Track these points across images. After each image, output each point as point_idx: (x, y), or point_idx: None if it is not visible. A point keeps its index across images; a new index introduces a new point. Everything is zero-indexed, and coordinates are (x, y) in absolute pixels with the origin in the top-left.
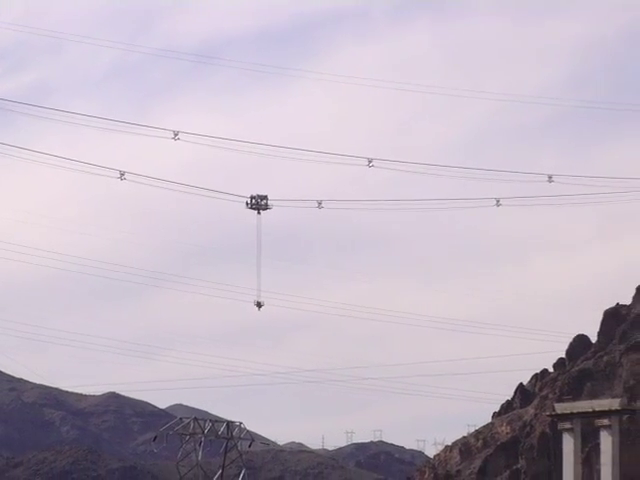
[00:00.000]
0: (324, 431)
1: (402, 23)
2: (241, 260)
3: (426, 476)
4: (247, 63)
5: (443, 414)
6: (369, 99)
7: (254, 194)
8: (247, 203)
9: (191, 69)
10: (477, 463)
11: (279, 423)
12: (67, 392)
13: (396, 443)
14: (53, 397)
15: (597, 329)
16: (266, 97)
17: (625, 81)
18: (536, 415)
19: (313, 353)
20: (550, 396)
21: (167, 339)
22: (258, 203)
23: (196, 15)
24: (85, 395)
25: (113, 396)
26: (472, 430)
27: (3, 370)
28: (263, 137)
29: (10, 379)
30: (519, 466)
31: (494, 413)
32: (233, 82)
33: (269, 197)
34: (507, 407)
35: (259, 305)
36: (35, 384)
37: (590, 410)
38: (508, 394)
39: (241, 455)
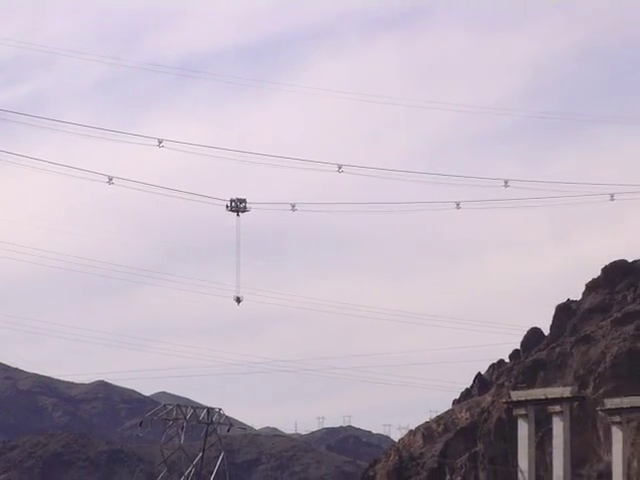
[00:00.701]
0: (297, 417)
1: (370, 39)
2: (221, 259)
3: (391, 459)
4: (227, 76)
5: (407, 401)
6: (339, 109)
7: (233, 198)
8: (227, 206)
9: (175, 82)
10: (438, 446)
11: (255, 409)
12: (59, 380)
13: (364, 428)
14: (46, 385)
15: (549, 323)
16: (244, 108)
17: (576, 93)
18: (493, 402)
19: (287, 345)
20: (506, 384)
21: (152, 332)
22: (237, 206)
23: (179, 31)
24: (76, 383)
25: (102, 384)
26: (434, 416)
27: (0, 360)
28: (242, 145)
29: (6, 368)
30: (477, 449)
31: (454, 400)
32: (214, 94)
33: (247, 200)
34: (466, 395)
35: (238, 300)
36: (29, 373)
37: (543, 397)
38: (467, 383)
39: (220, 439)
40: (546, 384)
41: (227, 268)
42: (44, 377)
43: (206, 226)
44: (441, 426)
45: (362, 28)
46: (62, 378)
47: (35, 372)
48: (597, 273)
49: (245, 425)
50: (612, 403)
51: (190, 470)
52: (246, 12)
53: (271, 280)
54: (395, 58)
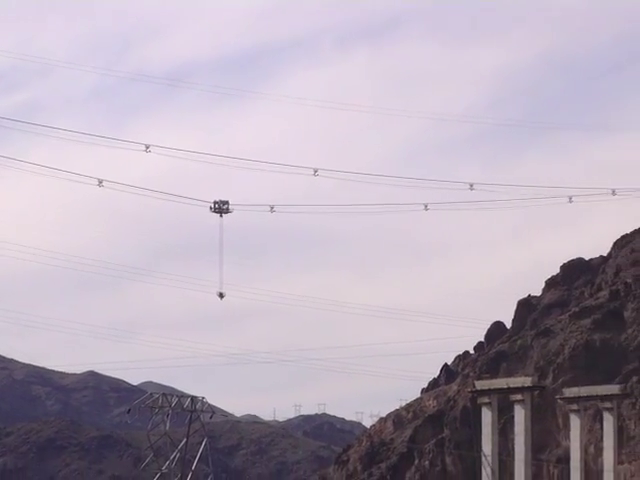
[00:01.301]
0: (275, 404)
1: (344, 51)
2: (205, 257)
3: (363, 444)
4: (211, 86)
5: (378, 390)
6: (316, 117)
7: (217, 199)
8: (211, 207)
9: (161, 91)
10: (408, 432)
11: (236, 398)
12: (52, 371)
13: (338, 415)
14: (40, 375)
15: (511, 317)
16: (227, 115)
17: (538, 102)
18: (459, 391)
19: (267, 337)
20: (471, 374)
21: (140, 325)
22: (220, 207)
23: (166, 43)
24: (67, 373)
25: (92, 374)
26: (403, 404)
27: None
28: (224, 150)
29: (2, 359)
30: (444, 435)
31: (422, 389)
32: (198, 102)
33: (230, 202)
34: (434, 384)
35: (221, 296)
36: (24, 363)
37: (505, 387)
38: (435, 373)
39: (203, 426)
40: (508, 374)
41: (210, 266)
42: (38, 367)
43: (191, 226)
44: (410, 413)
45: (337, 41)
46: (55, 368)
47: (29, 363)
48: (556, 271)
49: (227, 413)
50: (570, 392)
51: (175, 455)
52: (228, 25)
53: (252, 277)
54: (368, 69)
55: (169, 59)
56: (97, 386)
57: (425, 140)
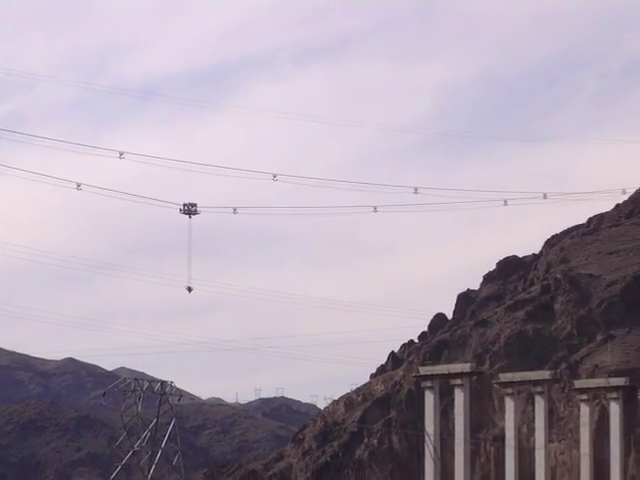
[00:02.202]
0: (237, 388)
1: (301, 67)
2: (174, 254)
3: (318, 424)
4: (180, 98)
5: (332, 375)
6: (275, 127)
7: (185, 202)
8: (180, 209)
9: (135, 103)
10: (358, 414)
11: (202, 382)
12: (34, 357)
13: (294, 398)
14: (23, 361)
15: (452, 309)
16: (195, 125)
17: (477, 114)
18: (404, 376)
19: (230, 327)
20: (415, 361)
21: (114, 316)
22: (189, 209)
23: (139, 59)
24: (48, 360)
25: (70, 360)
26: (354, 388)
27: None
28: (193, 157)
29: None
30: (391, 416)
31: (371, 374)
32: (169, 113)
33: (198, 204)
34: (381, 370)
35: (189, 289)
36: (8, 351)
37: (446, 372)
38: (382, 359)
39: (172, 408)
40: (449, 361)
41: (179, 262)
42: (21, 354)
43: (161, 226)
44: (360, 396)
45: (295, 58)
46: (36, 355)
47: (13, 350)
48: (492, 267)
49: (193, 396)
50: (505, 377)
51: (146, 434)
52: (196, 43)
53: (217, 272)
54: (323, 83)
55: (142, 74)
56: (75, 371)
57: (375, 148)
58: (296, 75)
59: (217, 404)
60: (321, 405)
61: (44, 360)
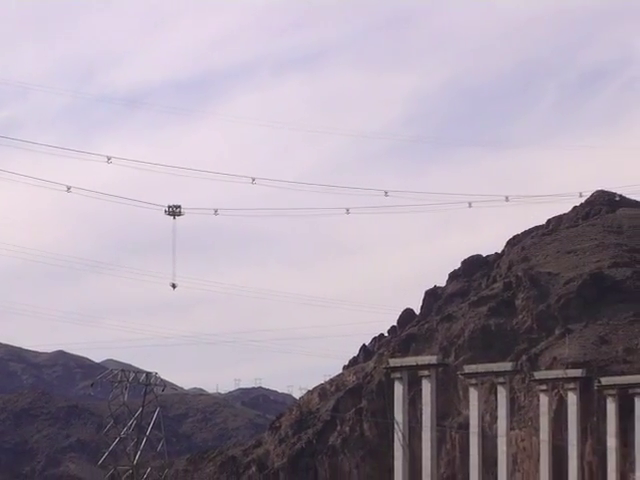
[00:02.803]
0: (218, 379)
1: (281, 76)
2: (160, 253)
3: (293, 413)
4: (165, 106)
5: (306, 367)
6: (254, 133)
7: (170, 204)
8: (165, 210)
9: (122, 110)
10: (331, 403)
11: (185, 373)
12: (27, 350)
13: (272, 388)
14: (16, 354)
15: (420, 304)
16: (179, 131)
17: (444, 121)
18: (375, 367)
19: (212, 321)
20: (385, 353)
21: (102, 311)
22: (173, 211)
23: (127, 69)
24: (40, 352)
25: (61, 353)
26: (327, 379)
27: None
28: (177, 161)
29: None
30: (362, 405)
31: (344, 366)
32: (154, 120)
33: (182, 206)
34: (353, 361)
35: (173, 286)
36: (2, 344)
37: (414, 364)
38: (354, 352)
39: (156, 397)
40: (417, 353)
41: (164, 260)
42: (14, 347)
43: (147, 227)
44: (333, 387)
45: (274, 68)
46: (29, 348)
47: (7, 343)
48: (457, 265)
49: (176, 386)
50: (469, 369)
51: (132, 422)
52: (180, 54)
53: (200, 270)
54: (300, 92)
55: (129, 83)
56: (65, 363)
57: (348, 153)
58: (275, 84)
59: (199, 394)
60: (297, 395)
61: (36, 352)
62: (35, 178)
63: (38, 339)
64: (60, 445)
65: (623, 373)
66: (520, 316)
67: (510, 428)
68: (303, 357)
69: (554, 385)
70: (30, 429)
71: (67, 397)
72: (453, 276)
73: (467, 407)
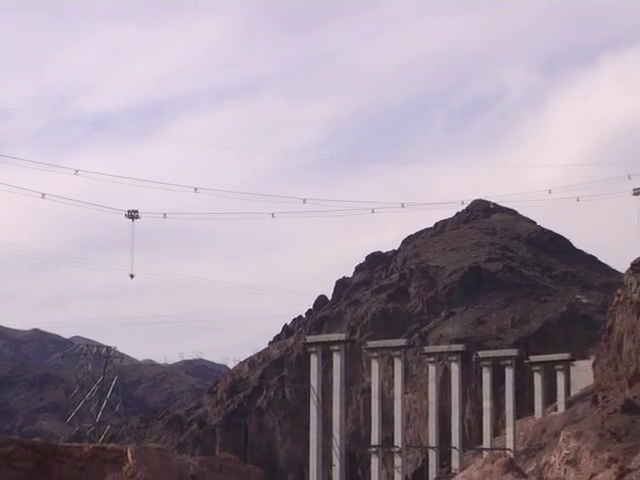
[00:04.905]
0: (166, 352)
1: (221, 104)
2: (120, 249)
3: (228, 380)
4: (125, 128)
5: (239, 342)
6: (198, 151)
7: (129, 209)
8: (125, 214)
9: (90, 131)
10: (259, 372)
11: (138, 347)
12: (8, 328)
13: (210, 360)
14: None
15: (332, 291)
16: (136, 149)
17: (354, 142)
18: (295, 343)
19: (161, 305)
20: (303, 332)
21: (71, 296)
22: (132, 214)
23: (93, 97)
24: (19, 330)
25: (36, 331)
26: (256, 352)
27: None
28: (134, 174)
29: None
30: (284, 374)
31: (269, 342)
32: (116, 140)
33: (139, 210)
34: (277, 338)
35: (132, 276)
36: None
37: (327, 340)
38: (278, 330)
39: (115, 367)
40: (329, 331)
41: (124, 255)
42: None
43: (110, 228)
44: (261, 359)
45: (215, 97)
46: (10, 327)
47: None
48: (362, 260)
49: (131, 358)
50: (371, 344)
51: (94, 388)
52: (138, 85)
53: (152, 263)
54: (236, 117)
55: (95, 108)
56: (40, 339)
57: (274, 168)
58: (215, 111)
59: (150, 364)
60: (230, 365)
61: (16, 330)
62: (15, 187)
63: (18, 319)
64: (35, 406)
65: (496, 348)
66: (413, 301)
67: (404, 392)
68: (236, 334)
69: (440, 357)
70: (10, 393)
71: (41, 367)
72: (358, 268)
73: (369, 375)
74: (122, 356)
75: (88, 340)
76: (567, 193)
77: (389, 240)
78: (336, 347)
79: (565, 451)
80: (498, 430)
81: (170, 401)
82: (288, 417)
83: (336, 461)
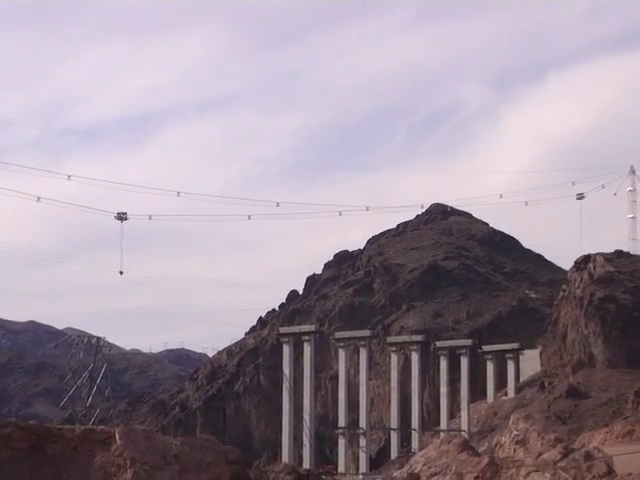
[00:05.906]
0: (151, 342)
1: (202, 115)
2: (111, 248)
3: (208, 367)
4: (115, 137)
5: (218, 333)
6: (181, 159)
7: (119, 211)
8: (115, 216)
9: (82, 140)
10: (236, 360)
11: (126, 337)
12: (6, 320)
13: (192, 349)
14: None
15: (302, 287)
16: (126, 156)
17: (323, 150)
18: (269, 333)
19: (147, 299)
20: (276, 323)
21: (65, 290)
22: (121, 216)
23: (86, 107)
24: (16, 321)
25: (32, 322)
26: (233, 342)
27: None
28: (123, 179)
29: None
30: (259, 362)
31: (245, 332)
32: (107, 148)
33: (128, 213)
34: (253, 329)
35: (121, 273)
36: None
37: (298, 331)
38: (254, 322)
39: (104, 355)
40: (300, 323)
41: (114, 254)
42: None
43: (101, 228)
44: (238, 348)
45: (197, 109)
46: (8, 319)
47: None
48: (331, 258)
49: (119, 347)
50: (339, 335)
51: (85, 374)
52: (128, 97)
53: (140, 261)
54: (217, 128)
55: (88, 119)
56: (35, 330)
57: (250, 174)
58: (197, 121)
59: (136, 353)
60: (210, 354)
61: (13, 322)
62: (13, 190)
63: (15, 312)
64: (30, 392)
65: (452, 338)
66: (377, 296)
67: (369, 379)
68: (215, 326)
69: (401, 347)
70: (7, 380)
71: (36, 356)
72: (327, 266)
73: (337, 363)
74: (111, 346)
75: (80, 331)
76: (517, 197)
77: (355, 240)
78: (306, 338)
79: (515, 432)
80: (454, 413)
81: (155, 387)
82: (263, 401)
83: (306, 441)
